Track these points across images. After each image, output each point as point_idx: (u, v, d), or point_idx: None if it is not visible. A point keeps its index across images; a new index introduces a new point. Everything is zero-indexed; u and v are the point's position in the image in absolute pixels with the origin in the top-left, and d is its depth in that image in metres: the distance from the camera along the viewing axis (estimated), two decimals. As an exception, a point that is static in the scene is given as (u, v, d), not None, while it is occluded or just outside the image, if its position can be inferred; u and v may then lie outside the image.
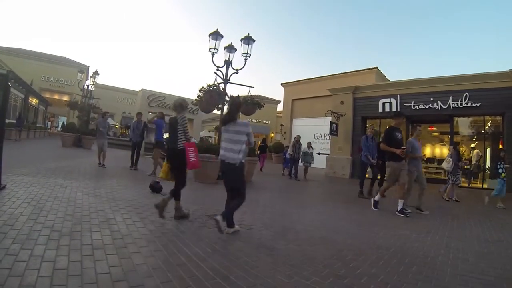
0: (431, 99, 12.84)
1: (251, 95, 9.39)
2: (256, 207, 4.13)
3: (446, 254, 3.43)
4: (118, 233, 3.18)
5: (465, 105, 12.03)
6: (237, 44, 9.11)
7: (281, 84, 27.89)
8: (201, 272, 2.42)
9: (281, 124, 27.10)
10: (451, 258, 3.31)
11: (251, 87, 9.36)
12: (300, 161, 11.83)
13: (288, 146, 14.19)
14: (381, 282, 2.53)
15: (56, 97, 32.91)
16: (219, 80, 8.99)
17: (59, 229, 3.06)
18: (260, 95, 32.09)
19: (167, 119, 9.41)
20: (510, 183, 8.23)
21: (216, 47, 8.87)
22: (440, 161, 14.53)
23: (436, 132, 15.96)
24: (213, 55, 8.90)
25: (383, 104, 14.36)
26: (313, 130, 22.02)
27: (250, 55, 9.03)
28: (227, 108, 3.86)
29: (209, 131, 35.51)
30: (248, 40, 8.96)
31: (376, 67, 21.14)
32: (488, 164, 12.99)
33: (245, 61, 9.09)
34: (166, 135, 9.74)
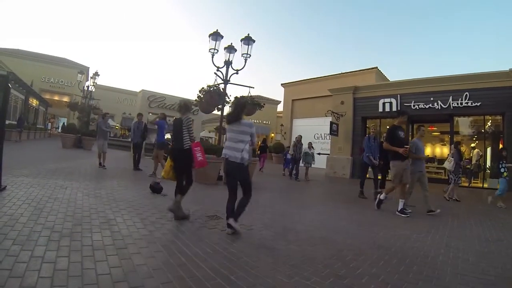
0: (431, 98, 12.83)
1: (251, 96, 9.39)
2: (256, 207, 4.14)
3: (446, 254, 3.43)
4: (119, 234, 3.18)
5: (465, 104, 12.02)
6: (237, 45, 9.12)
7: (281, 84, 27.91)
8: (202, 273, 2.42)
9: (281, 125, 27.12)
10: (451, 257, 3.31)
11: (251, 87, 9.37)
12: (301, 161, 11.82)
13: (289, 147, 14.17)
14: (381, 282, 2.53)
15: (56, 98, 32.95)
16: (219, 81, 9.00)
17: (59, 230, 3.07)
18: (260, 96, 32.12)
19: (166, 119, 9.52)
20: (511, 182, 8.20)
21: (216, 48, 8.88)
22: (440, 161, 14.54)
23: (436, 132, 15.96)
24: (213, 55, 8.90)
25: (383, 104, 14.35)
26: (313, 130, 22.02)
27: (250, 55, 9.04)
28: (233, 108, 3.90)
29: (209, 132, 35.51)
30: (248, 40, 8.96)
31: (376, 67, 21.15)
32: (488, 163, 12.98)
33: (245, 62, 9.10)
34: (166, 136, 9.80)
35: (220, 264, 2.63)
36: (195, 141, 4.34)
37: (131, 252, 2.71)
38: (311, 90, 23.88)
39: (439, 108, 12.64)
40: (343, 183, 12.17)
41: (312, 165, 12.05)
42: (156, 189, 5.79)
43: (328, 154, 16.55)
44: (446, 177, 12.14)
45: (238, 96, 9.04)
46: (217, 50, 8.93)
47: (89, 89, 19.99)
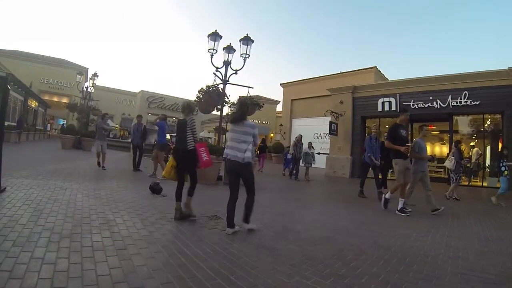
0: (430, 97, 12.85)
1: (250, 96, 9.39)
2: (256, 207, 4.12)
3: (446, 253, 3.43)
4: (118, 234, 3.18)
5: (464, 103, 12.03)
6: (236, 45, 9.11)
7: (280, 84, 27.92)
8: (202, 273, 2.42)
9: (281, 124, 27.13)
10: (451, 257, 3.31)
11: (251, 87, 9.36)
12: (301, 161, 11.81)
13: (289, 147, 14.16)
14: (381, 282, 2.53)
15: (55, 99, 32.91)
16: (218, 81, 8.99)
17: (59, 231, 3.06)
18: (259, 96, 32.14)
19: (166, 120, 9.51)
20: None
21: (215, 48, 8.86)
22: (440, 160, 14.56)
23: (436, 131, 15.98)
24: (212, 56, 8.89)
25: (383, 103, 14.36)
26: (312, 130, 22.03)
27: (249, 55, 9.03)
28: (237, 108, 3.93)
29: (209, 132, 35.52)
30: (247, 40, 8.95)
31: (375, 67, 21.16)
32: (488, 162, 13.00)
33: (244, 62, 9.09)
34: (166, 137, 9.79)
35: (220, 264, 2.63)
36: (201, 142, 4.37)
37: (131, 252, 2.71)
38: (310, 90, 23.89)
39: (438, 107, 12.66)
40: (342, 183, 12.17)
41: (313, 165, 12.04)
42: (155, 189, 5.79)
43: (328, 153, 16.56)
44: (446, 176, 12.16)
45: (239, 96, 9.07)
46: (216, 51, 8.92)
47: (88, 90, 19.98)
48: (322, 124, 19.69)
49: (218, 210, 4.67)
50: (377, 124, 8.85)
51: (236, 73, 9.13)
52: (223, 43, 9.06)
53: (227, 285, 2.25)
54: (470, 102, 11.90)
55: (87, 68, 32.40)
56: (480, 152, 13.13)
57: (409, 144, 5.76)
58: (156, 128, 8.91)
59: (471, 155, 13.30)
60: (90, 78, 19.35)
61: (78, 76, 19.30)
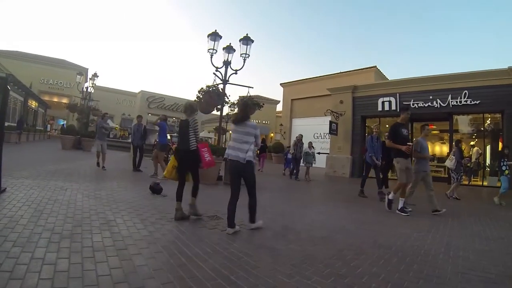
0: (430, 97, 12.85)
1: (250, 96, 9.38)
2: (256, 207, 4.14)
3: (447, 252, 3.42)
4: (119, 234, 3.18)
5: (464, 103, 12.03)
6: (236, 45, 9.11)
7: (280, 84, 27.94)
8: (202, 273, 2.42)
9: (281, 124, 27.15)
10: (452, 256, 3.31)
11: (250, 87, 9.36)
12: (302, 161, 11.80)
13: (289, 147, 14.16)
14: (382, 281, 2.53)
15: (55, 99, 32.94)
16: (218, 81, 8.99)
17: (59, 231, 3.06)
18: (259, 95, 32.15)
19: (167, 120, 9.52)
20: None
21: (214, 48, 8.86)
22: (440, 159, 14.56)
23: (436, 130, 15.98)
24: (212, 56, 8.89)
25: (383, 103, 14.37)
26: (312, 130, 22.03)
27: (248, 55, 9.03)
28: (240, 108, 3.96)
29: (209, 132, 35.54)
30: (246, 40, 8.95)
31: (375, 66, 21.17)
32: (488, 161, 12.99)
33: (244, 62, 9.09)
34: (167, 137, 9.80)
35: (221, 264, 2.63)
36: (203, 142, 4.40)
37: (131, 253, 2.71)
38: (310, 89, 23.91)
39: (438, 106, 12.66)
40: (343, 182, 12.18)
41: (313, 165, 12.02)
42: (156, 190, 5.79)
43: (328, 153, 16.56)
44: (446, 176, 12.16)
45: (239, 96, 9.07)
46: (216, 51, 8.92)
47: (88, 90, 19.98)
48: (322, 123, 19.70)
49: (218, 210, 4.67)
50: (378, 124, 8.81)
51: (236, 73, 9.14)
52: (223, 43, 9.07)
53: (228, 285, 2.25)
54: (470, 102, 11.90)
55: (87, 69, 32.43)
56: (480, 152, 13.13)
57: (410, 143, 5.70)
58: (157, 128, 8.91)
59: (471, 155, 13.30)
60: (90, 79, 19.35)
61: (78, 76, 19.30)
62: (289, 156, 12.74)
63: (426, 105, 12.94)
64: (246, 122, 3.83)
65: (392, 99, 14.03)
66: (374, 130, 8.06)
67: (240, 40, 9.01)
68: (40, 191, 4.94)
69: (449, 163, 8.48)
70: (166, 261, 2.61)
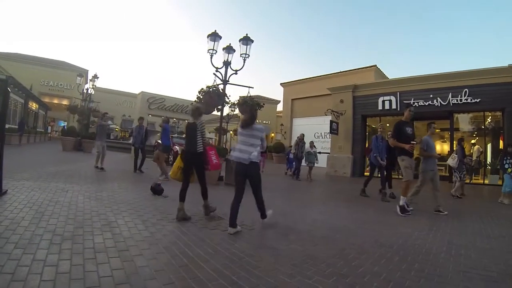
0: (431, 95, 12.85)
1: (250, 96, 9.39)
2: (256, 207, 4.14)
3: (448, 251, 3.42)
4: (120, 236, 3.18)
5: (465, 101, 12.03)
6: (236, 45, 9.12)
7: (281, 84, 27.94)
8: (204, 274, 2.42)
9: (281, 124, 27.14)
10: (453, 254, 3.31)
11: (251, 87, 9.36)
12: (304, 161, 11.78)
13: (291, 146, 14.16)
14: (383, 280, 2.53)
15: (55, 101, 32.98)
16: (218, 81, 9.00)
17: (61, 233, 3.07)
18: (259, 95, 32.16)
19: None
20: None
21: (214, 48, 8.88)
22: (441, 158, 14.53)
23: (436, 129, 15.92)
24: (211, 56, 8.90)
25: (383, 102, 14.37)
26: (313, 129, 22.03)
27: (248, 55, 9.03)
28: (247, 113, 4.01)
29: (209, 132, 35.53)
30: (246, 40, 8.96)
31: (375, 65, 21.15)
32: (489, 159, 12.98)
33: (244, 62, 9.10)
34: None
35: (222, 265, 2.63)
36: (210, 145, 4.51)
37: (133, 254, 2.71)
38: (310, 89, 23.92)
39: (439, 105, 12.65)
40: (344, 182, 12.17)
41: (316, 164, 12.01)
42: (157, 190, 5.79)
43: (329, 153, 16.56)
44: (447, 174, 12.15)
45: (241, 96, 9.06)
46: (216, 51, 8.93)
47: (89, 91, 20.01)
48: (322, 123, 19.72)
49: (219, 211, 4.67)
50: (383, 124, 8.72)
51: (236, 73, 9.15)
52: (222, 43, 9.08)
53: (229, 286, 2.25)
54: (471, 100, 11.89)
55: (87, 70, 32.46)
56: (481, 150, 13.12)
57: (414, 142, 5.60)
58: (157, 129, 8.95)
59: (472, 153, 13.29)
60: (90, 80, 19.39)
61: (78, 78, 19.34)
62: (291, 156, 12.73)
63: (427, 103, 12.94)
64: (253, 125, 3.90)
65: (393, 98, 14.03)
66: (379, 130, 7.98)
67: (240, 40, 9.02)
68: (41, 193, 4.95)
69: (451, 161, 8.42)
70: (167, 262, 2.61)
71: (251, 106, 4.44)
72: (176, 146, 12.44)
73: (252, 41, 9.01)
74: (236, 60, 9.42)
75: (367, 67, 21.43)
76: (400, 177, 7.11)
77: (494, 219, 5.51)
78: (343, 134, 15.48)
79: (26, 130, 19.17)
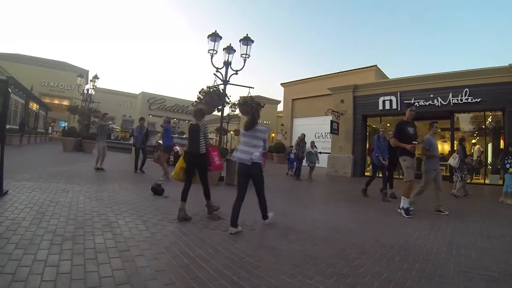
0: (431, 95, 12.83)
1: (251, 96, 9.38)
2: (257, 207, 4.15)
3: (449, 251, 3.42)
4: (121, 236, 3.18)
5: (465, 101, 12.01)
6: (236, 45, 9.12)
7: (281, 84, 27.92)
8: (204, 274, 2.42)
9: (282, 124, 27.12)
10: (454, 254, 3.31)
11: (251, 87, 9.36)
12: (305, 161, 11.76)
13: (292, 146, 14.14)
14: (384, 280, 2.53)
15: (56, 102, 33.00)
16: (219, 82, 9.00)
17: (61, 233, 3.07)
18: (260, 96, 32.15)
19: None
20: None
21: (215, 49, 8.88)
22: (441, 157, 14.51)
23: (438, 129, 15.91)
24: (212, 56, 8.90)
25: (383, 101, 14.35)
26: (313, 130, 22.01)
27: (249, 55, 9.04)
28: (250, 115, 4.06)
29: (210, 133, 35.45)
30: (246, 40, 8.96)
31: (376, 65, 21.13)
32: (489, 159, 12.97)
33: (244, 62, 9.10)
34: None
35: (223, 265, 2.63)
36: (213, 146, 4.57)
37: (133, 254, 2.71)
38: (311, 89, 23.90)
39: (439, 105, 12.64)
40: (344, 182, 12.16)
41: (317, 164, 11.98)
42: (157, 191, 5.79)
43: (329, 153, 16.55)
44: (448, 174, 12.13)
45: (242, 96, 9.06)
46: (216, 51, 8.93)
47: (89, 92, 20.00)
48: (323, 123, 19.70)
49: (220, 211, 4.67)
50: (384, 123, 8.64)
51: (236, 74, 9.15)
52: (223, 44, 9.08)
53: (230, 286, 2.25)
54: (471, 100, 11.87)
55: (88, 71, 32.45)
56: (481, 150, 13.11)
57: (415, 142, 5.53)
58: (158, 129, 8.95)
59: (472, 153, 13.28)
60: (91, 80, 19.38)
61: (79, 78, 19.30)
62: (292, 156, 12.72)
63: (427, 103, 12.92)
64: (255, 127, 3.96)
65: (393, 98, 14.02)
66: (381, 129, 7.92)
67: (240, 41, 9.02)
68: (42, 193, 4.95)
69: (453, 161, 8.39)
70: (168, 262, 2.61)
71: (253, 107, 4.46)
72: (177, 147, 12.44)
73: (253, 41, 9.01)
74: (236, 60, 9.40)
75: (368, 67, 21.41)
76: (401, 177, 7.10)
77: (495, 219, 5.50)
78: (344, 134, 15.47)
79: (27, 130, 19.20)
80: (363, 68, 21.67)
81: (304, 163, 11.88)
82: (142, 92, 19.56)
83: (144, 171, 9.30)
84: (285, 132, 25.86)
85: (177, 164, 4.63)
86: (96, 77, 18.98)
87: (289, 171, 13.50)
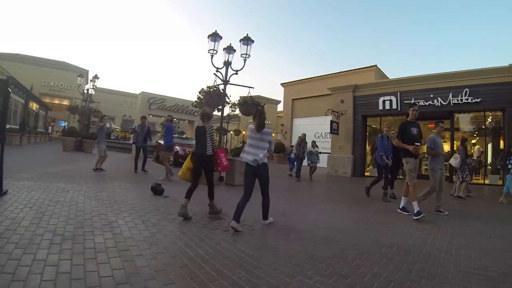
0: (431, 95, 12.83)
1: (251, 96, 9.38)
2: (257, 207, 4.15)
3: (448, 251, 3.42)
4: (121, 236, 3.18)
5: (465, 101, 12.01)
6: (236, 45, 9.11)
7: (281, 84, 27.92)
8: (204, 274, 2.42)
9: (282, 124, 27.11)
10: (453, 254, 3.31)
11: (251, 87, 9.35)
12: (306, 160, 11.75)
13: (292, 146, 14.14)
14: (384, 280, 2.53)
15: (56, 101, 32.97)
16: (219, 81, 8.99)
17: (61, 233, 3.07)
18: (260, 96, 32.15)
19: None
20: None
21: (215, 49, 8.87)
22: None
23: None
24: (212, 56, 8.90)
25: (383, 101, 14.35)
26: (313, 130, 22.01)
27: (249, 55, 9.03)
28: (257, 119, 4.12)
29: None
30: (247, 40, 8.95)
31: (376, 65, 21.12)
32: (489, 159, 12.97)
33: (244, 62, 9.09)
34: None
35: (223, 265, 2.63)
36: (221, 148, 4.64)
37: (133, 254, 2.71)
38: (311, 89, 23.91)
39: (439, 105, 12.63)
40: (344, 182, 12.16)
41: (318, 164, 11.95)
42: (157, 191, 5.79)
43: (329, 153, 16.55)
44: (448, 174, 12.12)
45: (242, 96, 9.07)
46: (216, 51, 8.92)
47: (89, 92, 19.99)
48: (323, 123, 19.70)
49: (220, 211, 4.67)
50: (389, 123, 8.52)
51: (236, 74, 9.13)
52: (223, 44, 9.07)
53: (230, 286, 2.25)
54: (471, 100, 11.87)
55: (88, 70, 32.43)
56: (481, 150, 13.09)
57: (418, 143, 5.39)
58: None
59: (472, 153, 13.27)
60: (91, 80, 19.37)
61: (79, 78, 19.29)
62: (292, 156, 12.72)
63: (427, 103, 12.91)
64: (262, 129, 4.08)
65: (393, 98, 14.01)
66: (385, 129, 7.83)
67: (240, 41, 9.01)
68: (42, 193, 4.95)
69: (454, 161, 8.36)
70: (168, 262, 2.61)
71: (258, 109, 4.50)
72: (177, 146, 12.44)
73: (253, 41, 9.00)
74: (236, 60, 9.39)
75: (368, 67, 21.40)
76: (401, 177, 7.08)
77: (494, 219, 5.50)
78: (344, 134, 15.47)
79: (27, 130, 19.20)
80: (363, 68, 21.67)
81: (305, 163, 11.87)
82: (142, 92, 19.55)
83: (146, 171, 9.29)
84: (285, 132, 25.86)
85: (184, 165, 4.72)
86: (96, 77, 18.98)
87: (291, 172, 13.49)
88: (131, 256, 2.65)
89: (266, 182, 4.12)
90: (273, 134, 31.23)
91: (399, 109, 13.72)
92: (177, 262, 2.63)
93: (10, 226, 3.11)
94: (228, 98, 9.23)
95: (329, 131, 16.15)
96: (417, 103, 12.92)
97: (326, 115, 17.10)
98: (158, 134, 21.92)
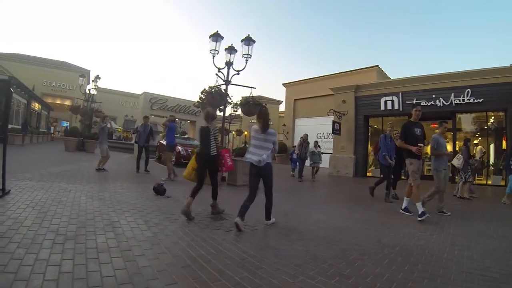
0: (433, 96, 12.79)
1: (253, 96, 9.37)
2: (259, 207, 4.15)
3: (451, 252, 3.41)
4: (123, 236, 3.19)
5: (467, 101, 11.96)
6: (238, 45, 9.11)
7: (283, 84, 27.90)
8: (206, 274, 2.42)
9: (284, 125, 27.08)
10: (456, 255, 3.30)
11: (253, 88, 9.36)
12: (308, 161, 11.72)
13: (294, 147, 14.13)
14: (386, 281, 2.52)
15: (58, 101, 33.10)
16: (221, 82, 8.99)
17: (63, 233, 3.08)
18: (261, 96, 32.17)
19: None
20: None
21: (216, 49, 8.87)
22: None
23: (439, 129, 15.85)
24: (213, 56, 8.90)
25: (385, 102, 14.31)
26: (315, 130, 21.97)
27: (250, 56, 9.03)
28: (261, 120, 4.16)
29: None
30: (248, 41, 8.95)
31: (377, 65, 21.07)
32: (491, 160, 12.93)
33: (246, 62, 9.09)
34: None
35: (225, 265, 2.63)
36: (225, 148, 4.71)
37: (135, 254, 2.72)
38: (312, 89, 23.87)
39: (441, 105, 12.59)
40: (346, 182, 12.13)
41: (320, 165, 11.93)
42: (159, 191, 5.80)
43: (331, 153, 16.53)
44: (450, 174, 12.09)
45: (243, 96, 9.07)
46: (218, 51, 8.92)
47: (91, 92, 20.05)
48: (325, 123, 19.65)
49: (222, 211, 4.67)
50: (392, 123, 8.45)
51: (238, 74, 9.13)
52: (224, 44, 9.07)
53: (232, 286, 2.25)
54: (473, 100, 11.83)
55: (89, 70, 32.55)
56: (483, 150, 13.05)
57: (421, 144, 5.33)
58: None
59: (474, 153, 13.22)
60: (93, 81, 19.43)
61: (81, 78, 19.35)
62: (294, 156, 12.70)
63: (429, 103, 12.86)
64: (267, 130, 4.12)
65: (395, 98, 13.97)
66: (388, 129, 7.77)
67: (242, 41, 9.01)
68: (44, 192, 4.97)
69: (456, 162, 8.32)
70: (170, 262, 2.62)
71: (262, 110, 4.52)
72: (179, 147, 12.45)
73: (254, 42, 9.00)
74: (238, 61, 9.40)
75: (369, 67, 21.35)
76: (403, 177, 7.06)
77: (497, 220, 5.48)
78: (346, 134, 15.44)
79: (29, 130, 19.27)
80: (365, 68, 21.62)
81: (307, 163, 11.85)
82: (144, 92, 19.58)
83: (149, 171, 9.29)
84: (287, 133, 25.82)
85: (188, 165, 4.76)
86: (98, 77, 19.04)
87: (294, 172, 13.46)
88: (133, 256, 2.65)
89: (270, 182, 4.15)
90: (276, 134, 31.24)
91: (401, 109, 13.69)
92: (179, 262, 2.63)
93: (12, 225, 3.12)
94: (230, 98, 9.24)
95: (331, 132, 16.12)
96: (420, 103, 12.92)
97: (328, 115, 17.07)
98: (160, 135, 21.92)
